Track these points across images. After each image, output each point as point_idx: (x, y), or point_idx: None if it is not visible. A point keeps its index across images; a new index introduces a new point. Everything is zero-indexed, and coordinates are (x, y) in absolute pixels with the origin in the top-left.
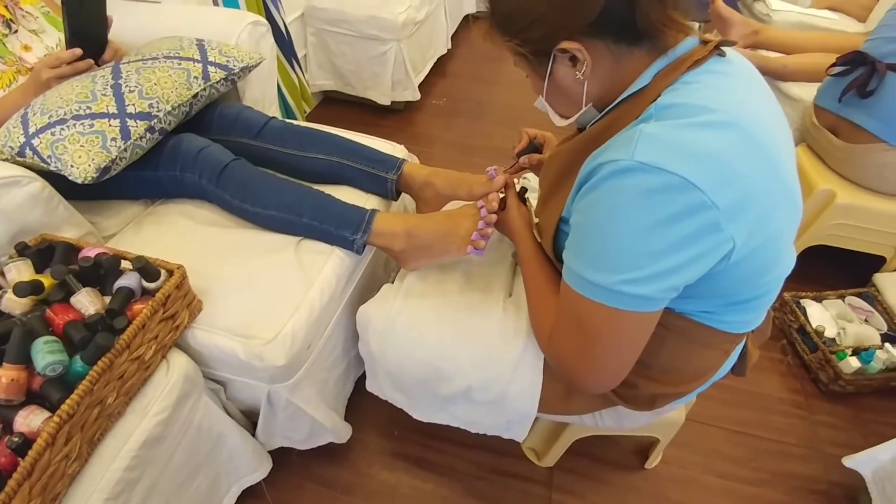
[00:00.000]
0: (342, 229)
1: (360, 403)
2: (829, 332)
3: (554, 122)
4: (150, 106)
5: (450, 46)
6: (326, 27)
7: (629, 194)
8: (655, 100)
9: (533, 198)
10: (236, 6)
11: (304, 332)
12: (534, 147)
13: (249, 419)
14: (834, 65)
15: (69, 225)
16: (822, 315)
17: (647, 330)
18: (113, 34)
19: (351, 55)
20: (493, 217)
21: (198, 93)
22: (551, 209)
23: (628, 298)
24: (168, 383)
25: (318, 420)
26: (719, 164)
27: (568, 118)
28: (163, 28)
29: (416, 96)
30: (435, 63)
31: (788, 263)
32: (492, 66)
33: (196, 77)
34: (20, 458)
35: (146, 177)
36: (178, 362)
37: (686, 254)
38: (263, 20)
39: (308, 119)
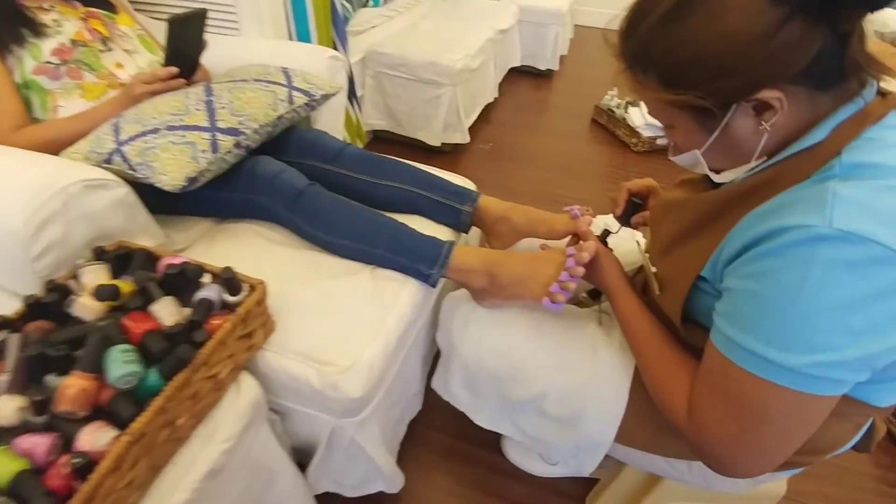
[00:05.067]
0: (417, 262)
1: (412, 451)
2: None
3: (712, 178)
4: (240, 123)
5: (496, 95)
6: (385, 70)
7: (826, 266)
8: (836, 156)
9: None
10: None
11: (380, 362)
12: (634, 205)
13: (296, 458)
14: None
15: (146, 234)
16: None
17: (827, 412)
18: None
19: (405, 97)
20: (581, 270)
21: (282, 115)
22: (682, 263)
23: (819, 382)
24: (237, 408)
25: (375, 463)
26: None
27: (725, 172)
28: (246, 60)
29: (466, 139)
30: (481, 110)
31: None
32: (535, 117)
33: (282, 100)
34: (80, 481)
35: (220, 197)
36: (248, 386)
37: (893, 336)
38: (341, 55)
39: None
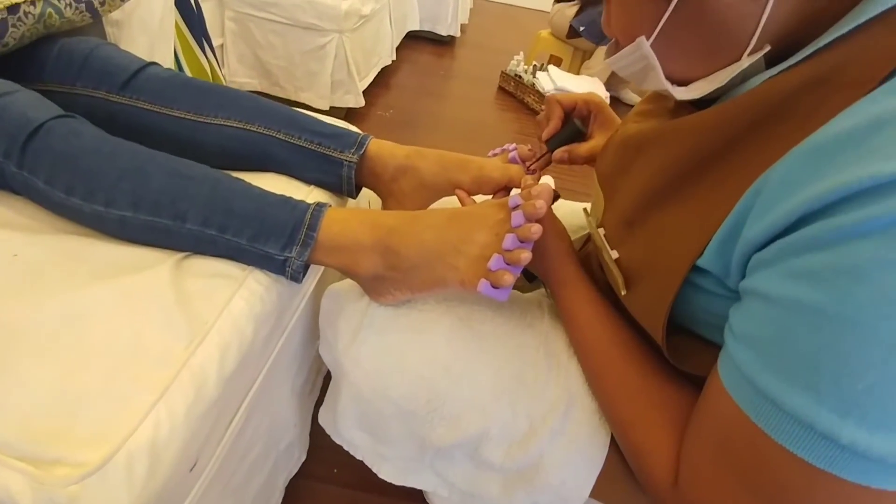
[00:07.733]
0: (261, 241)
1: None
2: None
3: (672, 92)
4: None
5: (394, 58)
6: (251, 12)
7: None
8: None
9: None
10: None
11: (180, 439)
12: (574, 130)
13: None
14: None
15: None
16: None
17: None
18: None
19: (281, 48)
20: (537, 230)
21: (18, 4)
22: (661, 243)
23: None
24: None
25: None
26: None
27: (696, 81)
28: None
29: (360, 102)
30: (378, 75)
31: None
32: (438, 83)
33: None
34: None
35: None
36: None
37: None
38: None
39: None
